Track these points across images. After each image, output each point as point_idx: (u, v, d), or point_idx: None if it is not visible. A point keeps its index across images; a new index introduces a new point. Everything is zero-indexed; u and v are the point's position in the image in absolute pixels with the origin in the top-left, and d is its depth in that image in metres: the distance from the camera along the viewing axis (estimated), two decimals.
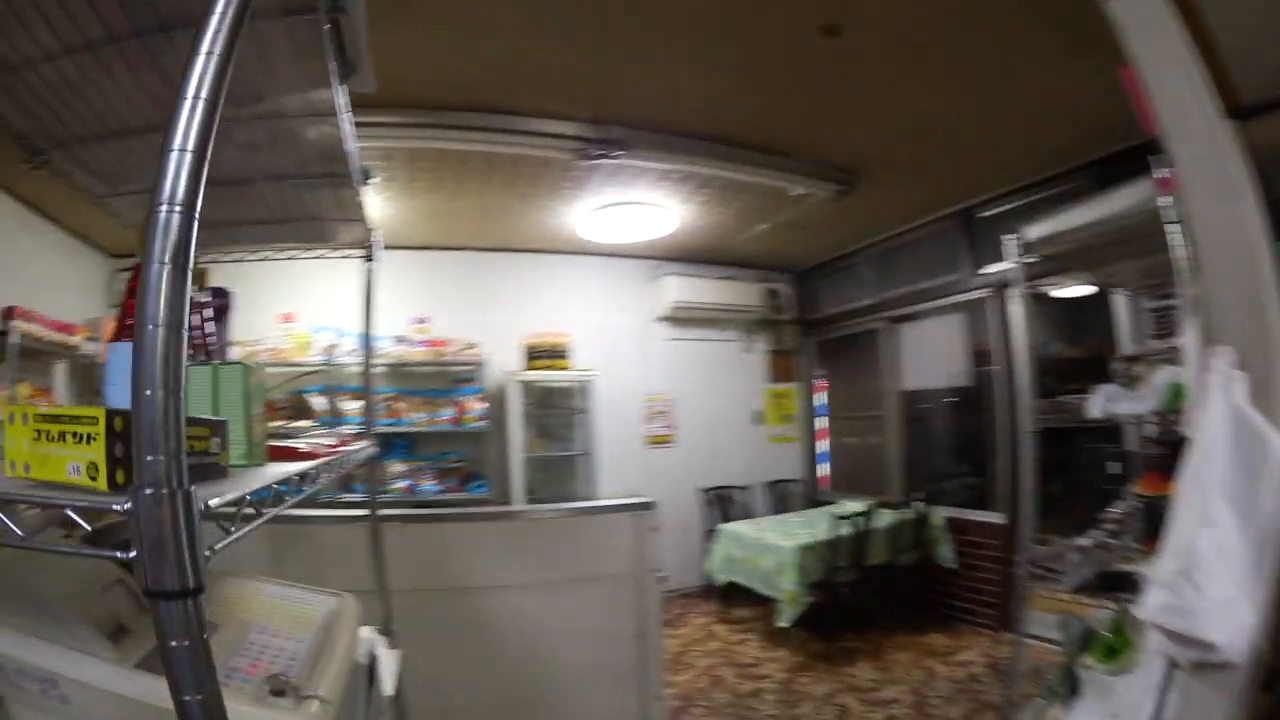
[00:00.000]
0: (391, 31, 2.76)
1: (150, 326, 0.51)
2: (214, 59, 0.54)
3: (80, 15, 0.91)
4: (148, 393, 0.51)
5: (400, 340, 5.43)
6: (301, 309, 5.33)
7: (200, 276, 1.29)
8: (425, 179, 4.40)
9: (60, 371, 4.71)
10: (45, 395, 4.35)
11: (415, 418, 5.29)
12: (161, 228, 0.52)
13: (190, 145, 0.53)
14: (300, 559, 2.09)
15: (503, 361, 5.65)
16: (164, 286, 0.51)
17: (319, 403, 5.04)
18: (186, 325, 0.53)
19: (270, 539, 2.08)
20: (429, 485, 5.26)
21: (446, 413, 5.34)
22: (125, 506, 0.52)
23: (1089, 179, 4.01)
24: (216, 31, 0.55)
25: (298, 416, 4.92)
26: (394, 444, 5.34)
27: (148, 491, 0.51)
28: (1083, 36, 2.40)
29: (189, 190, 0.52)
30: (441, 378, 5.61)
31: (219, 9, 0.55)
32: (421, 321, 5.57)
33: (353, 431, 1.88)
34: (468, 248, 5.94)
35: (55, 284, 4.72)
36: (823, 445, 6.85)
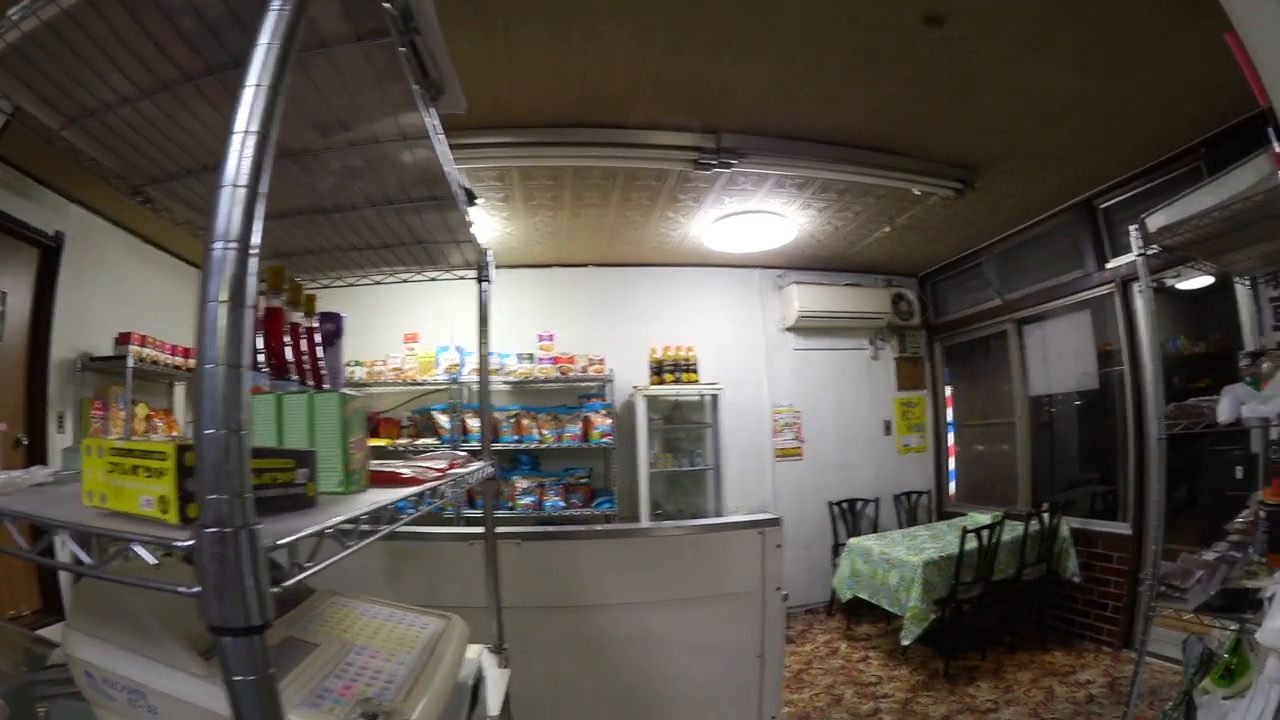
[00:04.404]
0: (498, 52, 2.82)
1: (208, 365, 0.50)
2: (263, 90, 0.54)
3: (150, 58, 0.93)
4: (209, 431, 0.50)
5: (525, 358, 5.50)
6: (425, 329, 5.51)
7: (309, 302, 1.33)
8: (543, 197, 4.48)
9: (180, 394, 5.00)
10: (164, 415, 4.65)
11: (542, 434, 5.33)
12: (216, 265, 0.51)
13: (243, 181, 0.52)
14: (418, 575, 2.14)
15: (629, 377, 5.66)
16: (221, 325, 0.51)
17: (444, 421, 5.22)
18: (247, 362, 0.52)
19: (389, 555, 2.13)
20: (555, 501, 5.28)
21: (573, 429, 5.36)
22: (188, 543, 0.51)
23: (1203, 159, 3.77)
24: (264, 63, 0.54)
25: (423, 434, 5.13)
26: (520, 460, 5.44)
27: (210, 530, 0.50)
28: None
29: (243, 226, 0.52)
30: (568, 394, 5.68)
31: (265, 40, 0.54)
32: (547, 338, 5.65)
33: (466, 452, 1.92)
34: (590, 263, 6.02)
35: (176, 310, 4.95)
36: (951, 455, 6.56)
